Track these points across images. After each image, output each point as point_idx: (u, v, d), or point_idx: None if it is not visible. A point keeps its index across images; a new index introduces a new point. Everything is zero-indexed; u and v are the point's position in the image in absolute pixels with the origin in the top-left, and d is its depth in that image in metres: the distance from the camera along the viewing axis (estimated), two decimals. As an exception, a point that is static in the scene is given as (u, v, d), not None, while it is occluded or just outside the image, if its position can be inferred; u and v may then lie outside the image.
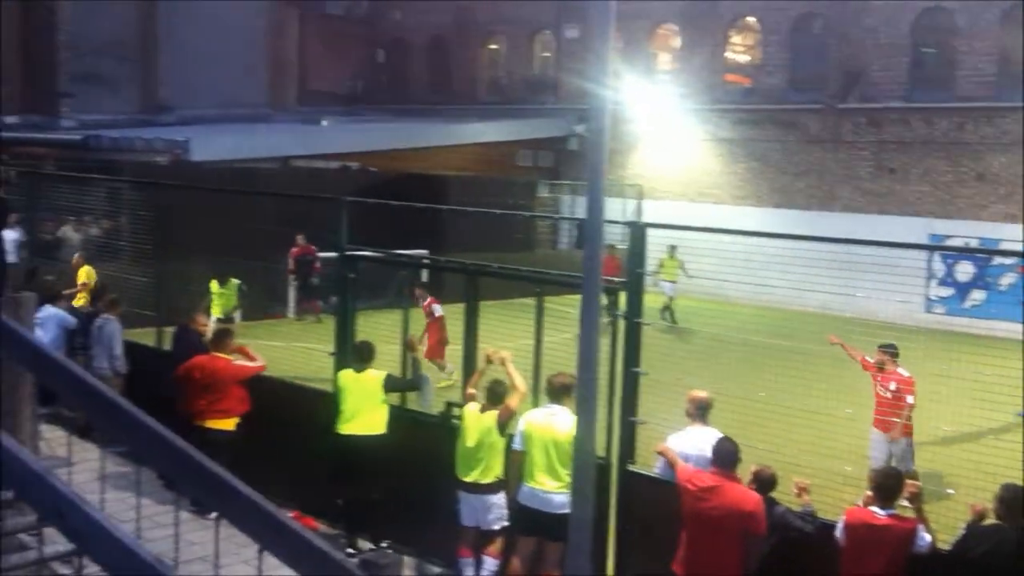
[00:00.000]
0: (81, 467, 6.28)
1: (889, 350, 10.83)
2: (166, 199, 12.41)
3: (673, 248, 21.69)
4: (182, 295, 12.79)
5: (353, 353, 9.19)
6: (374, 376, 8.88)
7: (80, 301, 14.36)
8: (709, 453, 7.19)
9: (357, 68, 39.71)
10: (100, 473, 5.03)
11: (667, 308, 22.30)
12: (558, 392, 7.62)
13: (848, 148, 27.91)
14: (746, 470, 6.87)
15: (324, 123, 32.52)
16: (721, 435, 7.21)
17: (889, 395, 10.55)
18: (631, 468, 7.69)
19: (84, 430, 11.09)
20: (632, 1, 29.99)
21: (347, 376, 8.97)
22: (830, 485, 7.87)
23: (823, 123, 28.39)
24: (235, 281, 16.22)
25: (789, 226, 25.54)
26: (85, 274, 15.45)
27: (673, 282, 22.69)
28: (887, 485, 6.16)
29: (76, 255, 16.31)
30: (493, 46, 37.78)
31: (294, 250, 20.42)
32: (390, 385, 8.89)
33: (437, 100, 37.33)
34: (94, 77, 29.89)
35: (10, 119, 28.39)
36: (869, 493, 6.31)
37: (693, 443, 7.30)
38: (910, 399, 10.49)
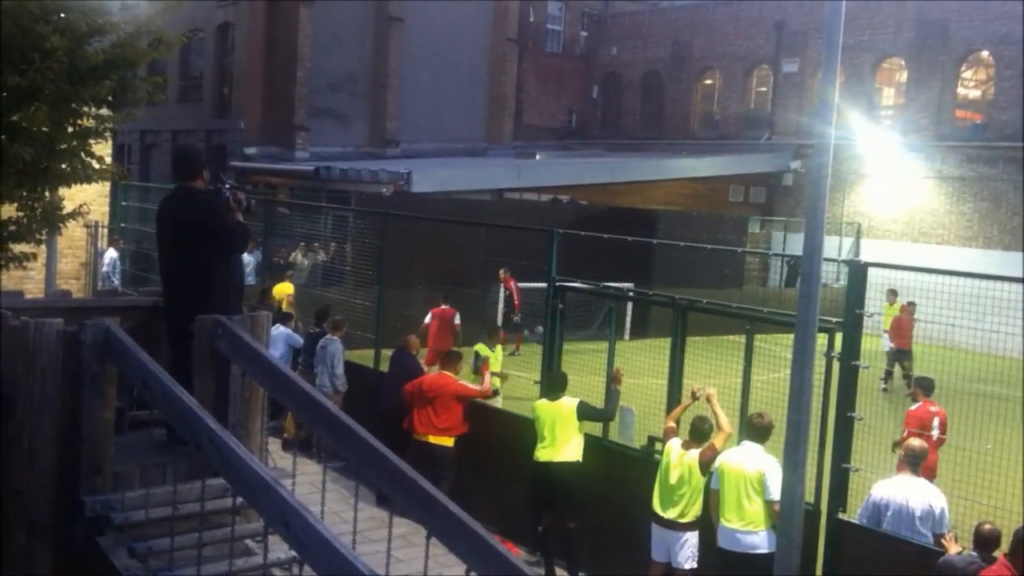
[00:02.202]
0: (300, 479, 6.63)
1: (920, 383, 10.71)
2: (387, 228, 12.99)
3: (893, 293, 19.30)
4: (400, 318, 13.30)
5: (546, 382, 9.33)
6: (568, 404, 8.97)
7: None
8: (911, 504, 7.00)
9: (572, 103, 40.39)
10: (321, 486, 5.30)
11: (889, 370, 19.01)
12: (757, 432, 7.50)
13: (1090, 188, 25.88)
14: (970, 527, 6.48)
15: (538, 157, 33.18)
16: (923, 481, 7.09)
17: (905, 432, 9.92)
18: (842, 517, 7.39)
19: (304, 444, 11.77)
20: (856, 35, 29.13)
21: (542, 405, 9.12)
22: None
23: (1063, 162, 26.48)
24: (500, 347, 14.29)
25: (1021, 270, 23.91)
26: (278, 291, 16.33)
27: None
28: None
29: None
30: (708, 81, 37.51)
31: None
32: (583, 413, 8.96)
33: (649, 135, 37.39)
34: (328, 111, 31.79)
35: (250, 150, 30.59)
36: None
37: (897, 491, 7.14)
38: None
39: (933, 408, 10.65)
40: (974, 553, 6.24)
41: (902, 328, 18.43)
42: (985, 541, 6.26)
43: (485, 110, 36.12)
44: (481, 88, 35.85)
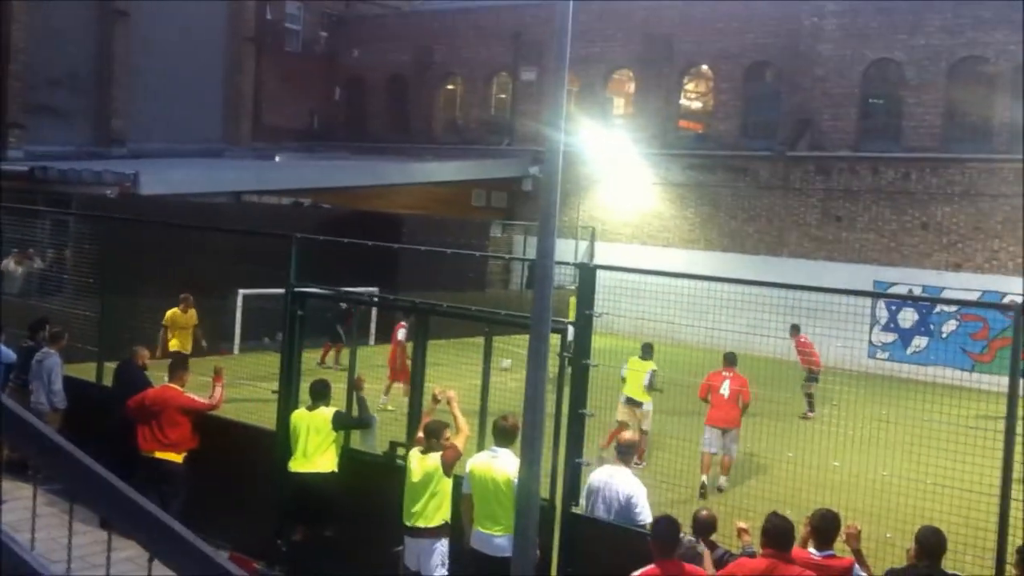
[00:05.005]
0: (13, 505, 6.10)
1: (726, 356, 13.59)
2: (111, 232, 12.22)
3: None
4: (126, 330, 12.60)
5: (309, 391, 9.11)
6: (324, 414, 8.81)
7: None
8: (616, 491, 7.41)
9: (314, 105, 39.74)
10: (32, 511, 4.88)
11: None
12: (504, 435, 7.58)
13: (797, 195, 28.37)
14: (688, 513, 6.90)
15: (277, 159, 32.41)
16: (627, 471, 7.51)
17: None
18: (575, 511, 7.66)
19: (19, 466, 10.85)
20: (589, 46, 30.47)
21: (299, 414, 8.90)
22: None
23: (773, 170, 28.85)
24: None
25: (738, 270, 25.95)
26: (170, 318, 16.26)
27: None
28: (823, 528, 6.21)
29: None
30: (451, 87, 38.03)
31: None
32: (339, 422, 8.81)
33: (394, 139, 37.44)
34: (47, 108, 29.54)
35: (-45, 149, 27.94)
36: (805, 533, 6.38)
37: (605, 480, 7.57)
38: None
39: (725, 373, 13.30)
40: (693, 539, 6.63)
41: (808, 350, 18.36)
42: (703, 526, 6.69)
43: (222, 110, 34.89)
44: (217, 87, 34.58)
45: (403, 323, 16.61)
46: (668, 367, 15.37)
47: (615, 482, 7.44)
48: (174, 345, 15.89)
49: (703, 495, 11.90)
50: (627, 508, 7.36)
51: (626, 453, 7.73)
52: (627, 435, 7.77)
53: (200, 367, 11.39)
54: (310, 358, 10.10)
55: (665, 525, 6.17)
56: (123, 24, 31.08)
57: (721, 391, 13.09)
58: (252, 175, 27.95)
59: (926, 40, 26.26)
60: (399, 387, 15.35)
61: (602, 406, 8.30)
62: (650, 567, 6.00)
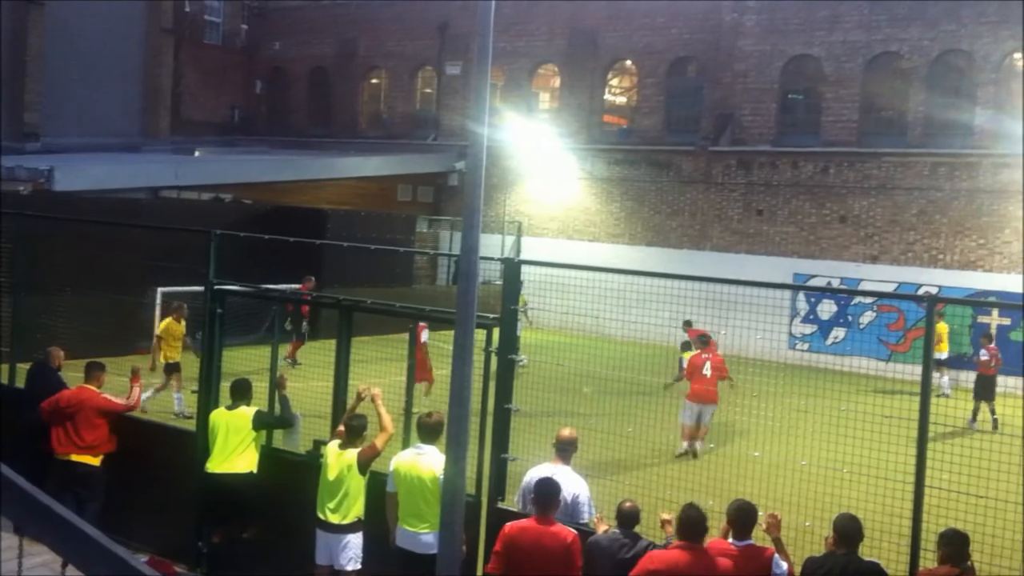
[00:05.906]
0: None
1: (700, 337, 15.22)
2: (23, 230, 11.83)
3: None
4: (39, 330, 12.25)
5: (230, 390, 8.95)
6: (245, 413, 8.66)
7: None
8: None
9: (234, 98, 39.08)
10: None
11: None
12: (428, 431, 7.53)
13: (719, 189, 28.76)
14: (613, 505, 6.94)
15: (197, 153, 31.80)
16: (568, 469, 7.41)
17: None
18: (501, 505, 7.66)
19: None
20: (514, 40, 30.50)
21: (219, 414, 8.74)
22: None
23: (695, 164, 29.20)
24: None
25: (662, 264, 26.17)
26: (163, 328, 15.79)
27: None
28: (740, 519, 6.29)
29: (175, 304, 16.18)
30: (375, 80, 37.73)
31: None
32: (259, 421, 8.67)
33: (317, 133, 37.02)
34: (-46, 102, 28.62)
35: None
36: (726, 525, 6.46)
37: (542, 476, 7.27)
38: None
39: (704, 355, 14.85)
40: (618, 531, 6.67)
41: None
42: (626, 518, 6.72)
43: (139, 103, 34.15)
44: (135, 80, 33.82)
45: (424, 324, 15.96)
46: (594, 361, 15.47)
47: (559, 481, 7.37)
48: (168, 357, 15.52)
49: (686, 456, 13.98)
50: (572, 507, 7.20)
51: (566, 451, 7.62)
52: (566, 432, 7.70)
53: (118, 367, 11.11)
54: (230, 357, 9.91)
55: (547, 484, 6.69)
56: (37, 14, 30.22)
57: (704, 371, 14.63)
58: (170, 170, 27.34)
59: (843, 36, 26.85)
60: (421, 386, 14.62)
61: (529, 401, 8.30)
62: (527, 519, 6.45)
